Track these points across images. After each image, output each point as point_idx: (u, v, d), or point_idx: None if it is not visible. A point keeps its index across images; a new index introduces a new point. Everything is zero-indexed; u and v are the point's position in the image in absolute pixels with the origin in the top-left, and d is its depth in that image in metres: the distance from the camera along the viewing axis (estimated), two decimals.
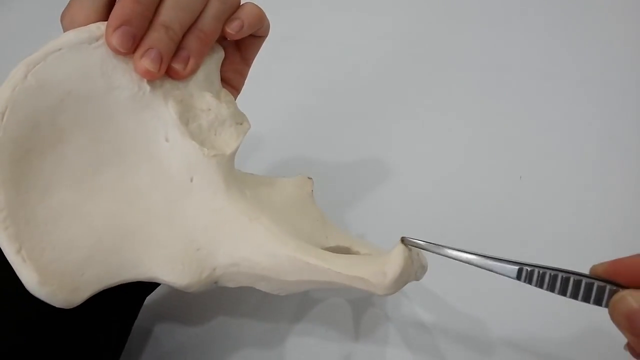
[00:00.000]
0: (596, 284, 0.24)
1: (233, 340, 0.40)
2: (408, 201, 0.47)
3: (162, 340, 0.40)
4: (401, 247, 0.29)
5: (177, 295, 0.39)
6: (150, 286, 0.36)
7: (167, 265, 0.29)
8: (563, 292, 0.24)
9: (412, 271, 0.29)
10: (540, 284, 0.25)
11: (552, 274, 0.24)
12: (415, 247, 0.29)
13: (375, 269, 0.28)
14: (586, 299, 0.24)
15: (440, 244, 0.28)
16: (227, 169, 0.31)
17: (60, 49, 0.28)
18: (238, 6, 0.32)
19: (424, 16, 0.68)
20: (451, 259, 0.27)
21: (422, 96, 0.58)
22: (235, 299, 0.42)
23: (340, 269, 0.29)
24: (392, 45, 0.64)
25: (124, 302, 0.34)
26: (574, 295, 0.24)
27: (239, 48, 0.35)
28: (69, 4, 0.30)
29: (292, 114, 0.57)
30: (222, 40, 0.33)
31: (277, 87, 0.59)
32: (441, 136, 0.53)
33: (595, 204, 0.45)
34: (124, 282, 0.29)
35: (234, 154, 0.32)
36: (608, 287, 0.23)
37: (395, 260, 0.28)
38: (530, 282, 0.25)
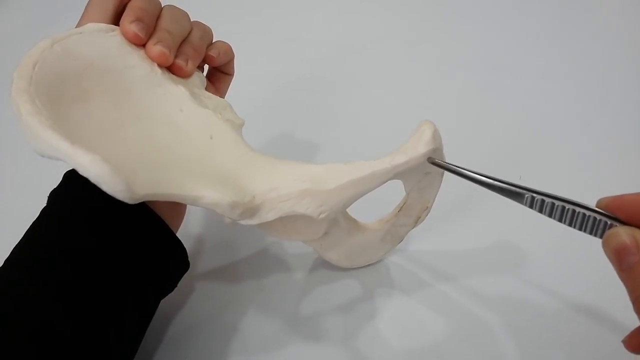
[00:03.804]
0: (596, 216, 0.24)
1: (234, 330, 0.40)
2: None
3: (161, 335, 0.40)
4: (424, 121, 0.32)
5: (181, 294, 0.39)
6: (165, 288, 0.37)
7: (211, 187, 0.30)
8: (563, 221, 0.25)
9: (441, 141, 0.32)
10: (543, 211, 0.26)
11: (557, 203, 0.25)
12: (438, 166, 0.32)
13: (410, 145, 0.32)
14: (584, 230, 0.25)
15: (459, 166, 0.31)
16: (239, 133, 0.35)
17: (81, 33, 0.33)
18: (212, 38, 0.40)
19: (420, 14, 0.68)
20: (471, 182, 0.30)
21: (420, 96, 0.58)
22: (236, 295, 0.42)
23: (377, 163, 0.32)
24: (386, 44, 0.64)
25: (139, 302, 0.34)
26: (578, 227, 0.25)
27: (213, 83, 0.42)
28: (83, 13, 0.35)
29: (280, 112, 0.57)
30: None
31: (274, 84, 0.60)
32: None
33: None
34: (172, 199, 0.29)
35: (241, 126, 0.36)
36: (606, 220, 0.24)
37: (423, 125, 0.32)
38: (534, 208, 0.26)
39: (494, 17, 0.68)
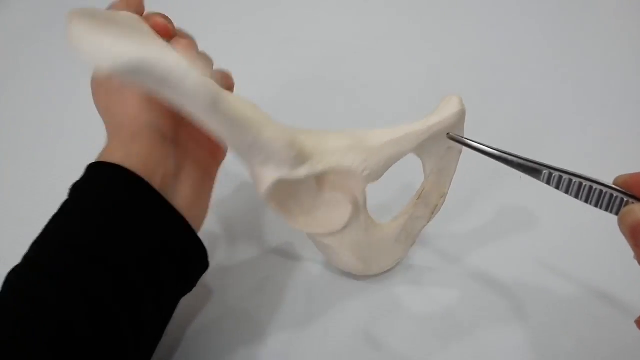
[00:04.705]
0: (613, 193, 0.24)
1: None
2: None
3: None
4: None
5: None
6: (185, 289, 0.36)
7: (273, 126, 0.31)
8: (580, 197, 0.25)
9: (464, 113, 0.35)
10: (560, 187, 0.26)
11: (574, 180, 0.25)
12: (457, 141, 0.33)
13: (441, 107, 0.35)
14: (601, 207, 0.24)
15: (477, 141, 0.32)
16: None
17: None
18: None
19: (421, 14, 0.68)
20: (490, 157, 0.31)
21: (420, 96, 0.58)
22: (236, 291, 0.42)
23: (414, 124, 0.35)
24: (387, 44, 0.64)
25: (159, 303, 0.33)
26: (594, 203, 0.25)
27: None
28: None
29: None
30: None
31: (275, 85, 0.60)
32: None
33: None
34: (237, 122, 0.30)
35: None
36: (623, 197, 0.24)
37: (448, 96, 0.36)
38: (551, 184, 0.26)
39: (496, 15, 0.68)
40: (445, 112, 0.35)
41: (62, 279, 0.29)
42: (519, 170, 0.28)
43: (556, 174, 0.26)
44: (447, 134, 0.33)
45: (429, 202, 0.40)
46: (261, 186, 0.33)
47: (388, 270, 0.42)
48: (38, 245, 0.32)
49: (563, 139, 0.52)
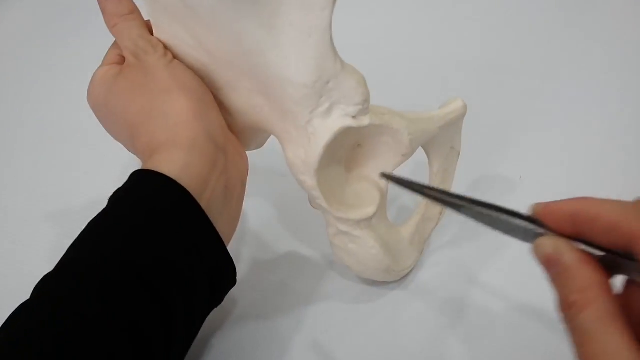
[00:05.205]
0: (526, 226, 0.24)
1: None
2: None
3: None
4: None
5: None
6: (212, 306, 0.36)
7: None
8: (498, 229, 0.25)
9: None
10: (477, 220, 0.25)
11: (491, 214, 0.25)
12: (391, 179, 0.31)
13: (448, 103, 0.39)
14: (518, 237, 0.25)
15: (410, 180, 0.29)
16: None
17: None
18: None
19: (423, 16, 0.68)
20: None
21: (420, 95, 0.58)
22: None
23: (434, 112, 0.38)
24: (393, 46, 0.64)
25: (189, 320, 0.32)
26: (512, 235, 0.25)
27: None
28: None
29: None
30: None
31: None
32: None
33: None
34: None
35: None
36: (534, 230, 0.24)
37: (455, 98, 0.39)
38: (470, 217, 0.26)
39: (495, 15, 0.68)
40: (454, 106, 0.38)
41: (102, 294, 0.28)
42: (442, 205, 0.27)
43: (475, 209, 0.26)
44: (381, 173, 0.32)
45: None
46: (321, 141, 0.33)
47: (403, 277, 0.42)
48: (77, 255, 0.31)
49: (563, 138, 0.52)
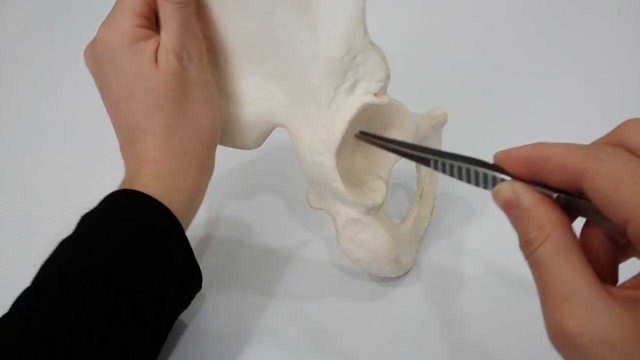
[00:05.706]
0: (487, 172, 0.25)
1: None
2: None
3: None
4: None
5: None
6: (179, 312, 0.37)
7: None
8: (464, 179, 0.26)
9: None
10: (446, 172, 0.27)
11: (454, 164, 0.27)
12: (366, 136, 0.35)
13: (431, 111, 0.42)
14: (481, 186, 0.26)
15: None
16: None
17: None
18: None
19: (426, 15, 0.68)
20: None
21: (420, 95, 0.58)
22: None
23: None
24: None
25: (156, 328, 0.34)
26: (474, 183, 0.26)
27: None
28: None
29: None
30: None
31: None
32: None
33: None
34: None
35: None
36: (495, 175, 0.25)
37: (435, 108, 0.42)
38: (438, 169, 0.27)
39: (495, 15, 0.68)
40: (437, 112, 0.41)
41: (87, 306, 0.30)
42: (411, 160, 0.29)
43: (440, 160, 0.27)
44: (358, 132, 0.35)
45: (427, 202, 0.43)
46: (346, 116, 0.33)
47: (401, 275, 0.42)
48: (52, 267, 0.32)
49: (563, 138, 0.52)
